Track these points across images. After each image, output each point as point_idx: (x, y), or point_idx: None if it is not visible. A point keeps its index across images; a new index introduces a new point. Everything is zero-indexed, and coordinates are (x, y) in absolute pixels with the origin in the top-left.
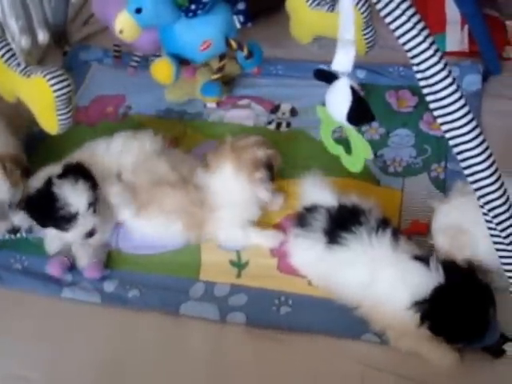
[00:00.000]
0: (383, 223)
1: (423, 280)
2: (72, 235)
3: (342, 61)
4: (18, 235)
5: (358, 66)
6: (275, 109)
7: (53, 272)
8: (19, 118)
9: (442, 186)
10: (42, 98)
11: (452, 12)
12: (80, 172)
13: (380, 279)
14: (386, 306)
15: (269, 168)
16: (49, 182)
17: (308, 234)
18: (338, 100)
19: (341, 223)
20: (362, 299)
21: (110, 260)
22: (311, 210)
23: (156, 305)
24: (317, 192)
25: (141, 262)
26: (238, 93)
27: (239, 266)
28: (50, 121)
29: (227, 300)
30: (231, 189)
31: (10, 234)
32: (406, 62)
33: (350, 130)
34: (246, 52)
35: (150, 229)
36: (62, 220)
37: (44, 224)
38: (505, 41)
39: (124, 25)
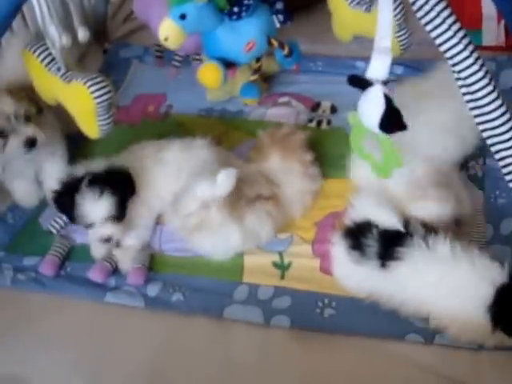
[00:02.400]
0: (427, 226)
1: (491, 276)
2: (91, 235)
3: (378, 68)
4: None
5: (395, 62)
6: (316, 106)
7: (95, 278)
8: None
9: (481, 184)
10: (83, 104)
11: (488, 7)
12: (113, 180)
13: (450, 280)
14: (458, 306)
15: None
16: (77, 184)
17: (362, 260)
18: (371, 107)
19: (392, 240)
20: (435, 306)
21: (153, 262)
22: (362, 230)
23: (200, 308)
24: (374, 210)
25: (184, 265)
26: (278, 90)
27: (282, 267)
28: (91, 126)
29: (271, 303)
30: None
31: (26, 147)
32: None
33: (383, 139)
34: (286, 50)
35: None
36: (81, 221)
37: (69, 219)
38: None
39: (169, 32)
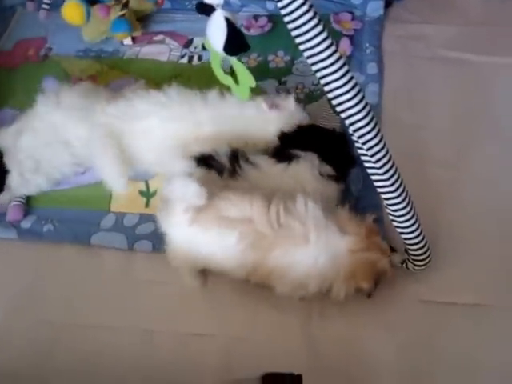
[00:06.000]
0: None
1: None
2: None
3: None
4: None
5: None
6: (188, 43)
7: None
8: None
9: None
10: None
11: None
12: None
13: None
14: None
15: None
16: None
17: None
18: (215, 32)
19: None
20: None
21: (28, 198)
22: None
23: (69, 237)
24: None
25: (57, 198)
26: (153, 29)
27: (148, 195)
28: None
29: (135, 229)
30: None
31: None
32: None
33: (234, 61)
34: None
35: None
36: None
37: None
38: None
39: None
